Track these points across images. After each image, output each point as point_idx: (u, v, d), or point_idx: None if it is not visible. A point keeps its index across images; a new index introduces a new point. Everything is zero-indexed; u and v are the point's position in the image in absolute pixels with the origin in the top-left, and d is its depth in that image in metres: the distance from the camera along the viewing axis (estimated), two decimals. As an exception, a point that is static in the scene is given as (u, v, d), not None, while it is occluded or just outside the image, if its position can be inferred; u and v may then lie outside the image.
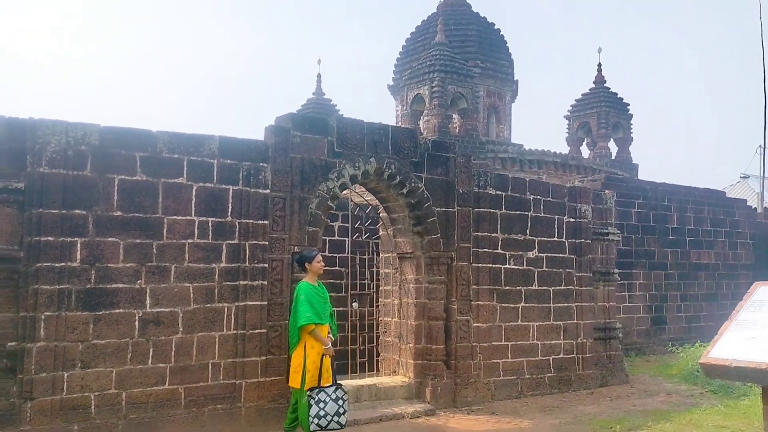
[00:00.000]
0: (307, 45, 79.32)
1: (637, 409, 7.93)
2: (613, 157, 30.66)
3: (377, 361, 9.08)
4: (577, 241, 9.25)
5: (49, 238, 5.78)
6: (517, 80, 30.08)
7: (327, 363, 6.08)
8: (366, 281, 10.05)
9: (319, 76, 29.09)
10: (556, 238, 9.07)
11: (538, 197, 8.96)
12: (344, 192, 8.08)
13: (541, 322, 8.84)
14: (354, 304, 9.59)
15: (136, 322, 6.14)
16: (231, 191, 6.71)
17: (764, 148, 21.16)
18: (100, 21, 73.07)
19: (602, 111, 30.01)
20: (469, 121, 25.78)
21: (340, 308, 9.25)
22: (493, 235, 8.50)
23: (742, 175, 26.68)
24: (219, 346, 6.54)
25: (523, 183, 8.95)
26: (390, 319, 8.67)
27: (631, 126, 30.77)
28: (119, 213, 6.12)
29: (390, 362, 8.59)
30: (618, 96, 30.78)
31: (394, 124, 7.76)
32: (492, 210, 8.53)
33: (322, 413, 5.87)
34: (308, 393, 5.97)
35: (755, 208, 17.06)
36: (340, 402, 5.98)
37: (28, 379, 5.66)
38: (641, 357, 11.92)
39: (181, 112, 68.79)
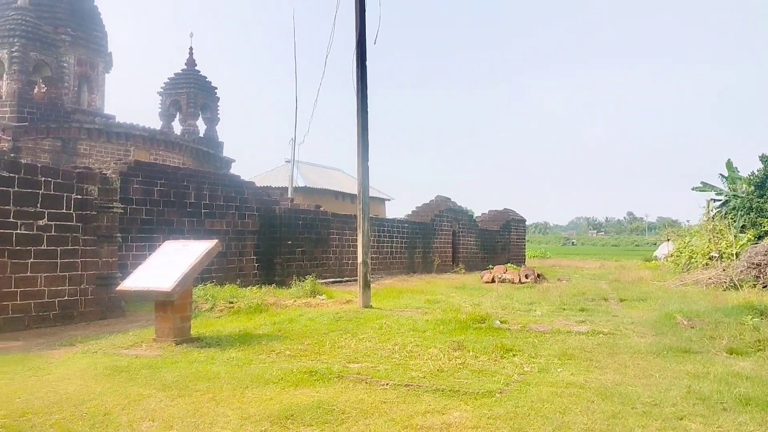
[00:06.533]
0: None
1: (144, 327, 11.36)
2: (201, 134, 34.38)
3: None
4: (83, 212, 12.27)
5: None
6: (111, 52, 31.51)
7: None
8: None
9: None
10: (64, 210, 11.94)
11: (49, 179, 11.69)
12: None
13: (49, 273, 11.66)
14: None
15: None
16: None
17: (295, 141, 27.15)
18: None
19: (191, 92, 33.31)
20: (54, 90, 26.63)
21: None
22: (5, 207, 10.97)
23: (286, 160, 33.04)
24: None
25: (35, 168, 11.57)
26: None
27: (218, 108, 34.72)
28: None
29: None
30: (207, 79, 34.32)
31: None
32: (5, 188, 10.97)
33: None
34: None
35: (262, 186, 22.66)
36: None
37: None
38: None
39: None
